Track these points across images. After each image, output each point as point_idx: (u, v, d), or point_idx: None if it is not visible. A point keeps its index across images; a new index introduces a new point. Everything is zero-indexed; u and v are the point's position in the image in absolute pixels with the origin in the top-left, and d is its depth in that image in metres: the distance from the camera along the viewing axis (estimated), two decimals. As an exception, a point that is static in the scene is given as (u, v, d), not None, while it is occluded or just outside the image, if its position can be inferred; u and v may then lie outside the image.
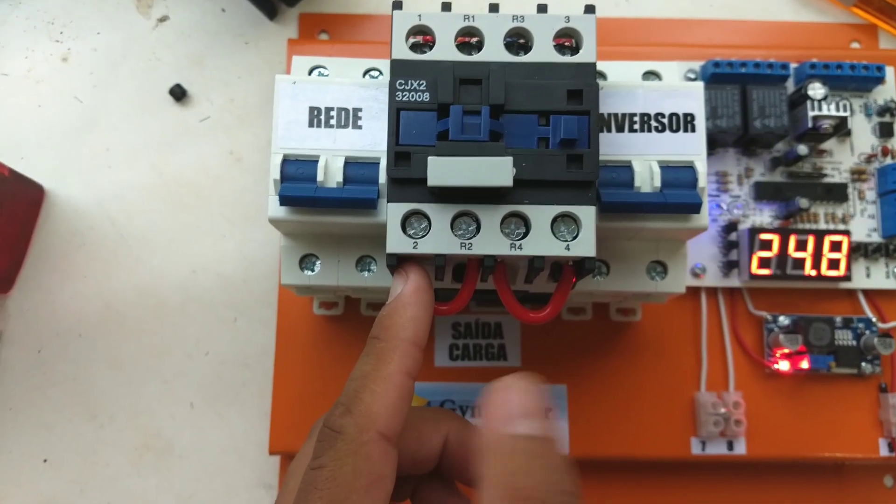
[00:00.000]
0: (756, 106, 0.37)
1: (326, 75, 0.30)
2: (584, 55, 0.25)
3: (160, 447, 0.39)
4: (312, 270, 0.29)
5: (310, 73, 0.30)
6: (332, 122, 0.27)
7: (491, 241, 0.24)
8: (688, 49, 0.41)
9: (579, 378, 0.38)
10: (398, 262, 0.25)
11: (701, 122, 0.27)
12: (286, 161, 0.26)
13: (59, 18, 0.45)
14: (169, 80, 0.43)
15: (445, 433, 0.26)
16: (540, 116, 0.25)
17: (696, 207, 0.26)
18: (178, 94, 0.43)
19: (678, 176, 0.27)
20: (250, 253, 0.41)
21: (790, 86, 0.39)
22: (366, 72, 0.30)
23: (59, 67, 0.44)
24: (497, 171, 0.24)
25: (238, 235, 0.41)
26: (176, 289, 0.41)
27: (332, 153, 0.27)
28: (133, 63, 0.44)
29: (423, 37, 0.26)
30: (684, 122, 0.27)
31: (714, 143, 0.39)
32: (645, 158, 0.27)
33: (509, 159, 0.24)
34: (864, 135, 0.40)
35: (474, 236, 0.24)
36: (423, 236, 0.24)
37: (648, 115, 0.27)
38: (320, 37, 0.44)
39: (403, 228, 0.24)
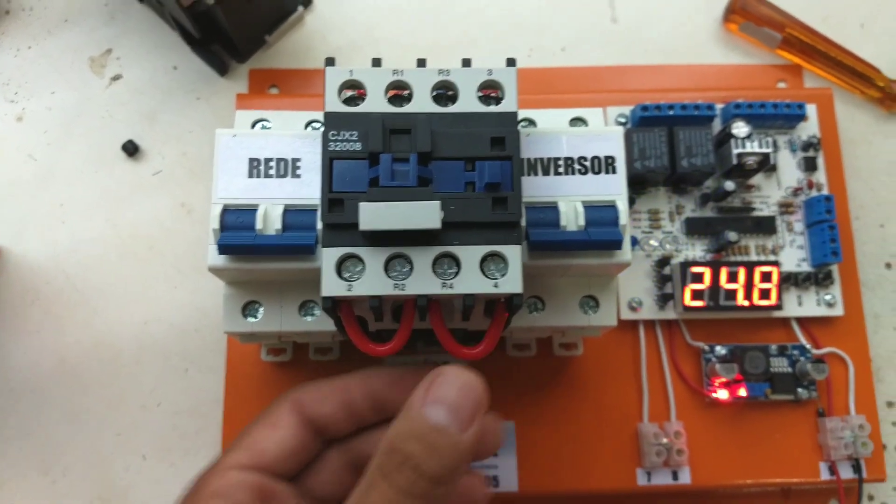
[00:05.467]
0: (683, 146, 0.39)
1: (269, 128, 0.31)
2: (506, 105, 0.27)
3: (115, 500, 0.39)
4: (255, 317, 0.30)
5: (253, 126, 0.31)
6: (272, 171, 0.28)
7: (423, 282, 0.25)
8: (621, 94, 0.43)
9: (526, 414, 0.38)
10: (334, 305, 0.26)
11: (621, 164, 0.29)
12: (226, 211, 0.27)
13: (14, 79, 0.46)
14: (122, 137, 0.44)
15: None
16: (466, 162, 0.26)
17: (618, 244, 0.27)
18: (131, 149, 0.44)
19: (601, 215, 0.28)
20: (201, 302, 0.42)
21: (717, 125, 0.41)
22: (308, 123, 0.31)
23: (13, 127, 0.45)
24: (425, 214, 0.25)
25: (189, 285, 0.42)
26: (130, 340, 0.41)
27: (271, 202, 0.28)
28: (87, 121, 0.45)
29: (357, 90, 0.27)
30: (605, 165, 0.29)
31: (645, 183, 0.40)
32: (570, 199, 0.28)
33: (437, 203, 0.25)
34: (790, 169, 0.42)
35: (407, 277, 0.25)
36: (357, 279, 0.25)
37: (572, 159, 0.29)
38: (270, 91, 0.45)
39: (339, 272, 0.25)
